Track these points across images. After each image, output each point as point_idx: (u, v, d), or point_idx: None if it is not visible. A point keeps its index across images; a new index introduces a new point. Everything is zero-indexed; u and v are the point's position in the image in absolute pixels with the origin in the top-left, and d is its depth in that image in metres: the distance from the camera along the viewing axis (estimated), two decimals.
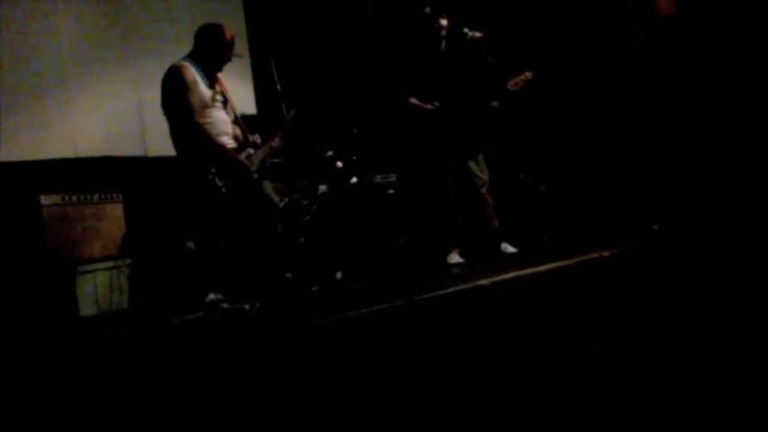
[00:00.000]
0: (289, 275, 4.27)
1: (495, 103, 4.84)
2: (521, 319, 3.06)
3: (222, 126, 3.94)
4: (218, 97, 3.97)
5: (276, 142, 4.15)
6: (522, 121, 5.41)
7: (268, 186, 4.04)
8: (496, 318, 3.15)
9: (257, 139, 4.12)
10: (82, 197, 4.91)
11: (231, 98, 4.07)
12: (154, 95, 5.81)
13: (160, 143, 5.77)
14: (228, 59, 4.02)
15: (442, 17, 4.84)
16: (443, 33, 4.84)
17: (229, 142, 3.96)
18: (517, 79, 4.79)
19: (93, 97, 5.53)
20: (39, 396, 2.68)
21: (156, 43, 5.97)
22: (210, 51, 3.98)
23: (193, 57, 3.99)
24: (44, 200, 4.73)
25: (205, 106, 3.87)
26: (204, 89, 3.88)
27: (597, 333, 2.82)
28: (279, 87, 4.05)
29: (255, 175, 3.87)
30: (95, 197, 4.99)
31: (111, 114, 5.61)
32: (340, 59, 6.50)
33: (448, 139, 4.82)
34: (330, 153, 5.26)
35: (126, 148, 5.60)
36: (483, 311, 3.24)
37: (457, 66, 4.87)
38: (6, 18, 5.10)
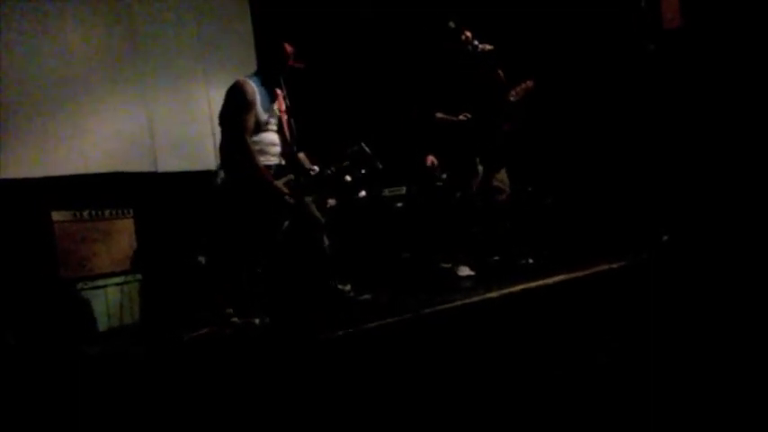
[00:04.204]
0: (342, 287, 4.32)
1: (508, 126, 4.85)
2: (529, 332, 3.06)
3: (270, 148, 3.99)
4: (274, 120, 4.03)
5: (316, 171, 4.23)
6: (529, 134, 5.42)
7: (309, 203, 4.08)
8: (505, 331, 3.15)
9: (306, 162, 4.18)
10: (93, 213, 4.95)
11: (286, 119, 4.12)
12: (164, 111, 5.94)
13: (170, 159, 5.85)
14: (289, 73, 4.07)
15: (467, 30, 4.83)
16: (470, 48, 4.81)
17: (273, 162, 4.01)
18: (518, 89, 4.78)
19: (103, 114, 5.56)
20: (50, 410, 2.70)
21: (166, 60, 6.02)
22: (272, 68, 4.05)
23: (257, 74, 4.07)
24: (56, 216, 4.77)
25: (258, 127, 3.93)
26: (262, 110, 3.94)
27: (606, 343, 2.82)
28: (288, 103, 4.08)
29: (291, 200, 3.91)
30: (106, 213, 5.03)
31: (121, 130, 5.65)
32: (350, 73, 6.53)
33: (476, 151, 4.84)
34: (335, 168, 5.29)
35: (136, 163, 5.65)
36: (492, 324, 3.24)
37: (472, 78, 4.88)
38: (17, 35, 5.16)
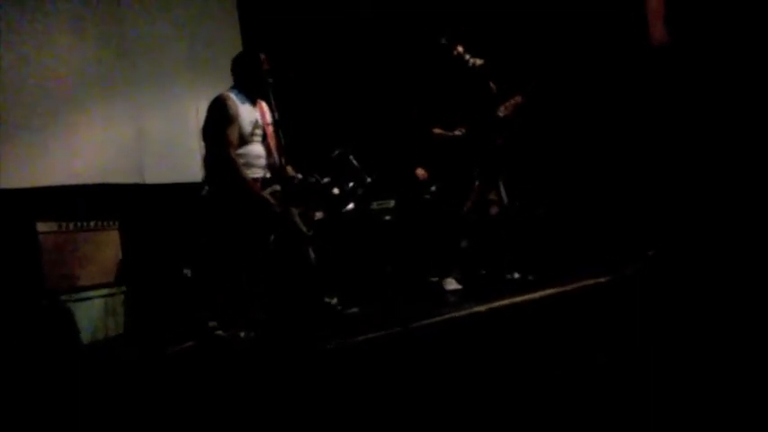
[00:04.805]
0: (329, 300, 4.30)
1: (500, 140, 4.88)
2: (515, 347, 3.06)
3: (255, 160, 3.97)
4: (258, 131, 4.00)
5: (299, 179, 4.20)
6: (519, 146, 5.44)
7: (295, 215, 4.05)
8: (492, 345, 3.14)
9: (293, 172, 4.15)
10: (79, 224, 4.91)
11: (271, 130, 4.08)
12: (152, 123, 5.93)
13: (158, 171, 5.83)
14: (270, 84, 4.02)
15: (459, 44, 4.85)
16: (462, 62, 4.83)
17: (259, 175, 3.98)
18: (507, 104, 4.81)
19: (91, 124, 5.54)
20: (30, 423, 2.67)
21: (155, 71, 6.01)
22: (250, 79, 4.02)
23: (237, 88, 4.03)
24: (41, 227, 4.73)
25: (243, 140, 3.91)
26: (246, 123, 3.91)
27: (592, 357, 2.82)
28: (276, 115, 4.06)
29: (278, 209, 3.88)
30: (92, 224, 4.99)
31: (109, 141, 5.63)
32: (338, 85, 6.54)
33: (473, 165, 4.86)
34: (327, 180, 5.28)
35: (123, 175, 5.62)
36: (479, 338, 3.23)
37: (463, 92, 4.90)
38: (6, 46, 5.14)
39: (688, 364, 2.57)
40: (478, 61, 4.81)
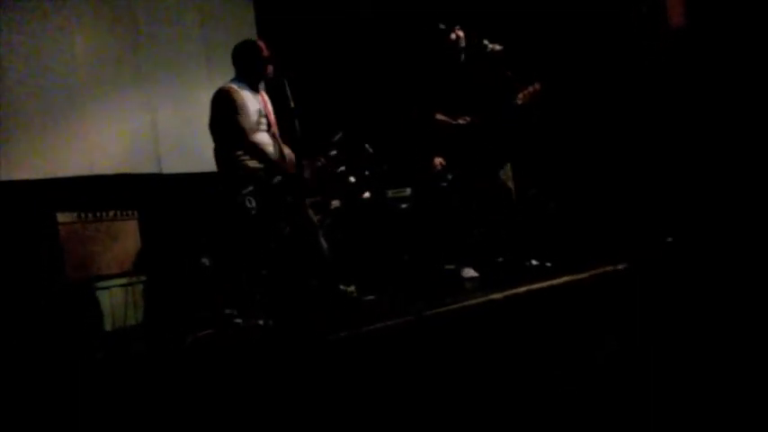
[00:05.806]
0: (346, 288, 4.32)
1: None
2: (532, 334, 3.05)
3: (265, 148, 3.98)
4: (263, 119, 4.02)
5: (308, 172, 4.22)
6: (532, 136, 5.41)
7: (306, 206, 4.05)
8: (509, 332, 3.14)
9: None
10: (98, 214, 4.96)
11: (272, 118, 4.10)
12: (168, 113, 5.96)
13: (175, 160, 5.86)
14: (269, 75, 4.04)
15: (458, 29, 4.83)
16: (462, 45, 4.81)
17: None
18: (525, 92, 4.76)
19: (107, 115, 5.58)
20: (54, 411, 2.70)
21: (170, 62, 6.04)
22: (251, 69, 4.03)
23: (238, 79, 4.04)
24: (61, 217, 4.78)
25: (252, 129, 3.92)
26: (252, 112, 3.93)
27: (607, 344, 2.82)
28: (292, 105, 4.06)
29: (289, 198, 3.89)
30: (111, 214, 5.04)
31: (125, 132, 5.67)
32: (353, 75, 6.53)
33: (476, 152, 4.84)
34: (342, 168, 5.29)
35: (141, 165, 5.66)
36: (496, 325, 3.23)
37: (476, 78, 4.86)
38: (21, 37, 5.18)
39: (702, 349, 2.56)
40: (497, 47, 4.76)
